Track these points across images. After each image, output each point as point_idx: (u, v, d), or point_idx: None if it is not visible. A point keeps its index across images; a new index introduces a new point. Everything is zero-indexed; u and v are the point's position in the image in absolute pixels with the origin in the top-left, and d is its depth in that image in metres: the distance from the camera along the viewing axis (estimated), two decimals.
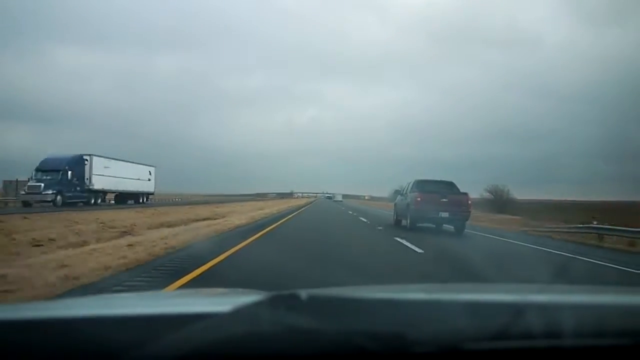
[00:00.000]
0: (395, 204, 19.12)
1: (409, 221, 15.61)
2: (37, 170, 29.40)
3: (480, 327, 0.83)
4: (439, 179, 16.82)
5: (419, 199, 15.02)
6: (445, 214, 14.91)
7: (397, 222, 17.89)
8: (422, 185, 16.13)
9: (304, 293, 0.83)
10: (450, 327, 0.83)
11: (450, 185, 16.35)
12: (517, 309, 0.90)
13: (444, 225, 16.16)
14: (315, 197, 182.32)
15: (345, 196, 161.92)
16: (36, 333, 0.81)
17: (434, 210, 14.83)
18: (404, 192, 17.39)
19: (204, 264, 6.49)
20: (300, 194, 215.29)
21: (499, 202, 48.84)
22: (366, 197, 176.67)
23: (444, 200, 14.98)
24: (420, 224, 15.71)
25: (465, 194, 15.60)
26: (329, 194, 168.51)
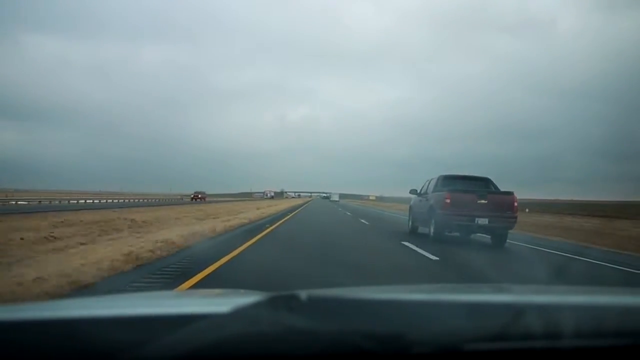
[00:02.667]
0: (410, 207, 15.03)
1: (433, 229, 11.83)
2: None
3: (480, 328, 0.83)
4: (469, 174, 13.18)
5: (447, 200, 11.28)
6: (483, 220, 11.12)
7: (414, 230, 14.30)
8: (450, 182, 12.36)
9: (303, 293, 0.83)
10: (450, 328, 0.83)
11: (486, 183, 12.60)
12: (517, 310, 0.90)
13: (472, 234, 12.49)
14: (310, 196, 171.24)
15: (345, 196, 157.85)
16: (36, 333, 0.81)
17: (468, 215, 11.11)
18: (423, 191, 13.60)
19: None
20: (294, 194, 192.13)
21: None
22: (371, 197, 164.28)
23: (483, 201, 11.28)
24: (448, 233, 11.96)
25: (511, 193, 11.70)
26: (326, 193, 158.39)
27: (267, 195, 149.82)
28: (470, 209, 11.16)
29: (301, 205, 46.76)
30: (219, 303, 1.12)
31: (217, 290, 1.77)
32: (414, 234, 13.81)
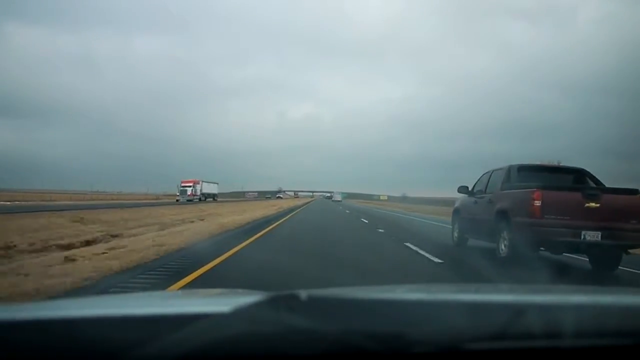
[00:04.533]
0: (456, 211, 10.87)
1: (506, 246, 7.62)
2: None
3: (480, 327, 0.83)
4: (552, 164, 8.91)
5: (537, 201, 7.11)
6: (594, 235, 6.97)
7: (461, 242, 10.40)
8: (531, 176, 8.24)
9: (303, 293, 0.83)
10: (450, 327, 0.83)
11: (581, 177, 8.46)
12: (517, 309, 0.90)
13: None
14: (312, 196, 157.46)
15: (353, 196, 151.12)
16: (36, 333, 0.81)
17: (572, 226, 7.02)
18: (479, 189, 9.54)
19: None
20: (293, 193, 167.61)
21: None
22: (382, 197, 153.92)
23: (593, 205, 7.08)
24: (535, 251, 7.57)
25: (636, 192, 7.46)
26: (329, 193, 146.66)
27: (184, 193, 58.91)
28: (575, 216, 7.08)
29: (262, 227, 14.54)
30: (219, 303, 1.11)
31: (217, 290, 1.77)
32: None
